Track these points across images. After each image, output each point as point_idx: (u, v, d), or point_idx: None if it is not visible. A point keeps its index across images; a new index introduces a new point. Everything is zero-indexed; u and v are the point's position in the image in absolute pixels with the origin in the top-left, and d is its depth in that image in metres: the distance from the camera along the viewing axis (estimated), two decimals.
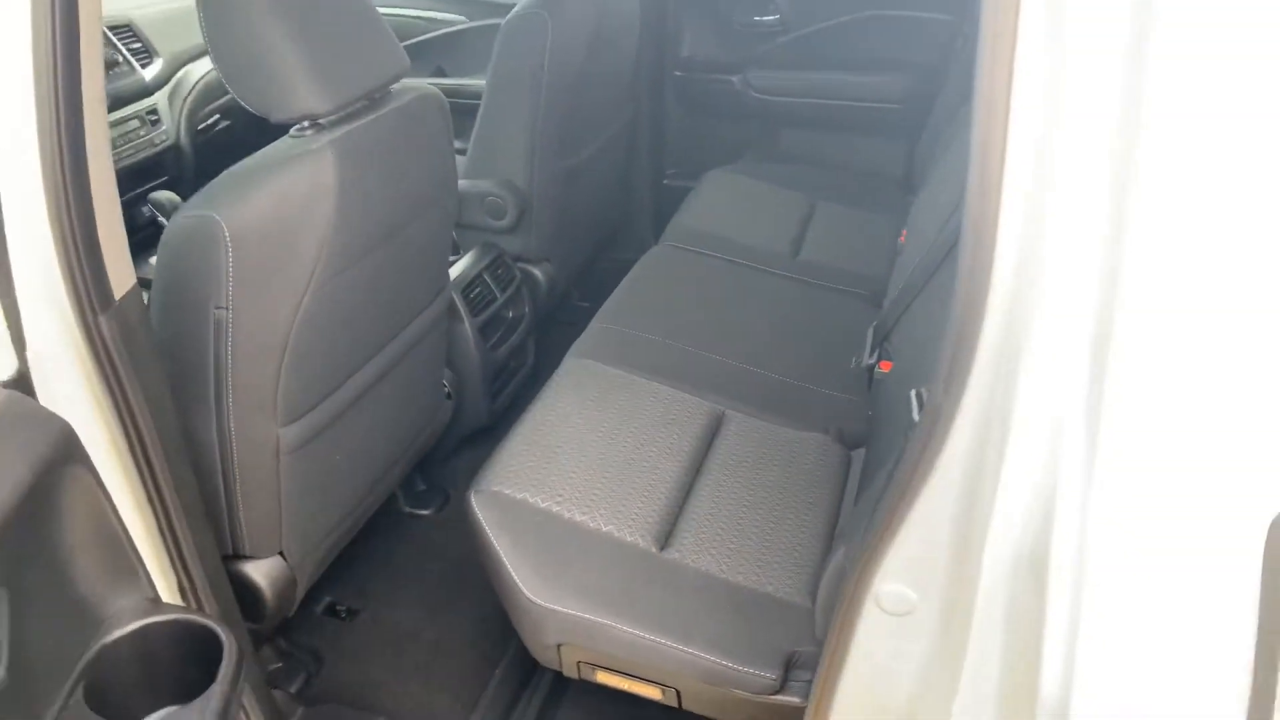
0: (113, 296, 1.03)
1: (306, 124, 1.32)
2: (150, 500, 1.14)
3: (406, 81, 1.50)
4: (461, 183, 2.22)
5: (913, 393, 1.01)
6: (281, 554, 1.48)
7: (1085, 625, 0.72)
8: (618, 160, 2.68)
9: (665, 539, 1.43)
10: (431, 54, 3.04)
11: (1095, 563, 0.71)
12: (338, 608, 1.82)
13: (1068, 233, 0.71)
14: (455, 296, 1.97)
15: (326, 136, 1.30)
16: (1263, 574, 0.67)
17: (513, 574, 1.33)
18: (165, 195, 2.20)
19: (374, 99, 1.42)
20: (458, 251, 2.22)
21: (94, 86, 0.98)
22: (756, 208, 2.50)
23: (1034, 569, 0.77)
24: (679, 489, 1.52)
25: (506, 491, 1.45)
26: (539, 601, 1.32)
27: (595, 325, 1.94)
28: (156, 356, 1.13)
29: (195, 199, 1.25)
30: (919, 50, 2.65)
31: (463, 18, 3.06)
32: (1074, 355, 0.73)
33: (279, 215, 1.25)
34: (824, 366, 1.90)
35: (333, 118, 1.33)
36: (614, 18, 2.41)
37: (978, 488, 0.82)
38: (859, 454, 1.71)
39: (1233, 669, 0.69)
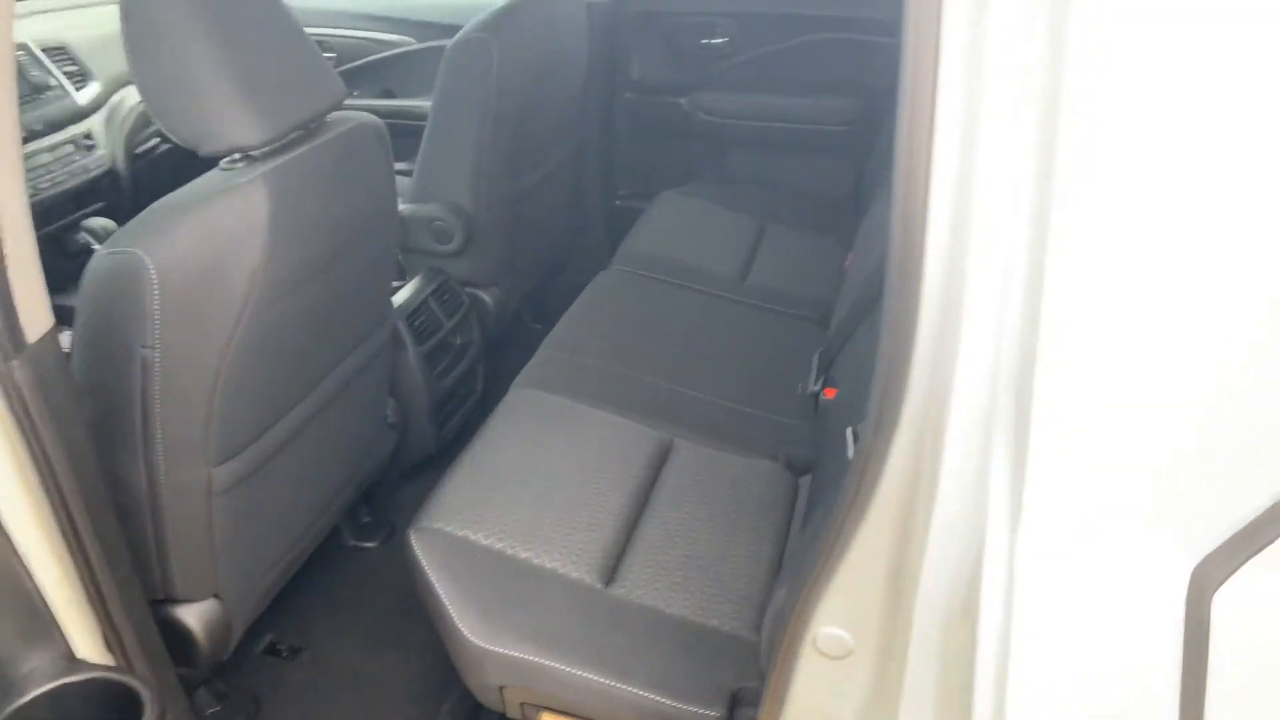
0: (25, 340, 0.99)
1: (238, 156, 1.29)
2: (71, 550, 1.10)
3: (343, 111, 1.47)
4: (407, 206, 2.19)
5: (849, 430, 1.01)
6: (216, 595, 1.44)
7: (1014, 672, 0.72)
8: (568, 182, 2.67)
9: (611, 574, 1.41)
10: (380, 75, 3.01)
11: (1022, 609, 0.70)
12: (278, 646, 1.78)
13: (986, 281, 0.71)
14: (399, 324, 1.94)
15: (259, 169, 1.27)
16: (1185, 621, 0.67)
17: (453, 615, 1.31)
18: (100, 222, 2.15)
19: (309, 129, 1.40)
20: (403, 276, 2.19)
21: (6, 115, 0.95)
22: (707, 230, 2.50)
23: (965, 614, 0.77)
24: (626, 522, 1.50)
25: (447, 529, 1.42)
26: (480, 643, 1.29)
27: (542, 353, 1.92)
28: (76, 400, 1.09)
29: (118, 235, 1.22)
30: (866, 73, 2.67)
31: (411, 39, 3.04)
32: (998, 399, 0.73)
33: (208, 251, 1.21)
34: (772, 392, 1.90)
35: (265, 149, 1.30)
36: (562, 40, 2.40)
37: (910, 531, 0.82)
38: (806, 480, 1.70)
39: (1159, 714, 0.69)
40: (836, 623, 0.90)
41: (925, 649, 0.83)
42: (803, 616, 0.91)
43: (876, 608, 0.87)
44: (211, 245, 1.21)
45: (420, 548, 1.39)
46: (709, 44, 2.78)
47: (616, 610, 1.36)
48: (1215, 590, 0.66)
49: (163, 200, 1.25)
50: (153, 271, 1.17)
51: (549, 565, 1.40)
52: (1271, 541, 0.64)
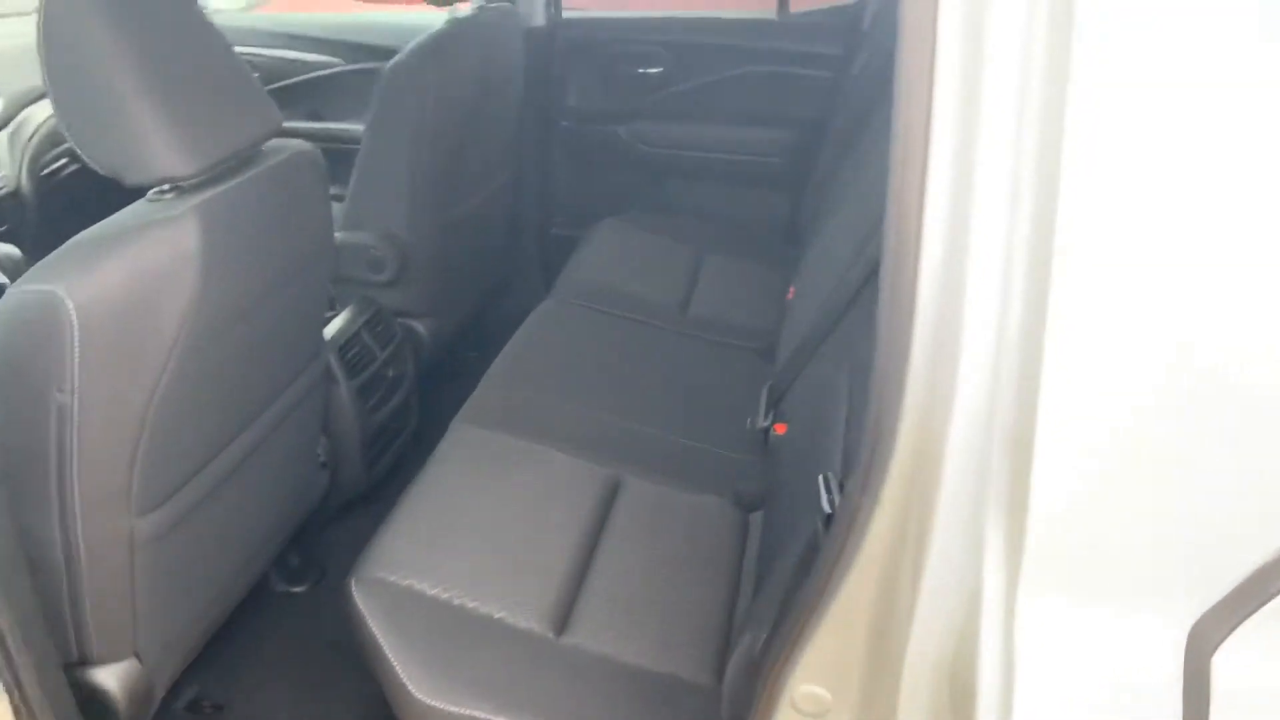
0: None
1: (167, 187, 1.21)
2: None
3: (278, 139, 1.40)
4: (339, 234, 2.11)
5: (821, 478, 0.99)
6: (137, 655, 1.34)
7: None
8: (504, 210, 2.62)
9: (563, 623, 1.36)
10: (306, 97, 2.92)
11: (1023, 673, 0.69)
12: (202, 703, 1.66)
13: (982, 332, 0.70)
14: (331, 357, 1.86)
15: (189, 201, 1.20)
16: (1185, 681, 0.66)
17: (398, 671, 1.24)
18: (2, 249, 2.01)
19: (243, 158, 1.32)
20: (334, 307, 2.11)
21: None
22: (646, 260, 2.47)
23: (955, 681, 0.74)
24: (576, 566, 1.45)
25: (390, 578, 1.35)
26: (428, 700, 1.22)
27: (483, 389, 1.86)
28: None
29: (35, 270, 1.13)
30: (799, 106, 2.70)
31: (338, 60, 2.95)
32: (992, 454, 0.72)
33: (134, 289, 1.13)
34: (718, 425, 1.88)
35: (196, 180, 1.22)
36: (499, 67, 2.36)
37: (897, 588, 0.79)
38: (757, 517, 1.68)
39: None
40: (816, 680, 0.87)
41: (913, 707, 0.80)
42: (781, 674, 0.88)
43: (858, 665, 0.85)
44: (138, 283, 1.13)
45: (362, 599, 1.31)
46: (645, 73, 2.77)
47: (570, 661, 1.31)
48: (1214, 650, 0.65)
49: (85, 233, 1.17)
50: (72, 310, 1.08)
51: (498, 615, 1.34)
52: (1270, 599, 0.64)
